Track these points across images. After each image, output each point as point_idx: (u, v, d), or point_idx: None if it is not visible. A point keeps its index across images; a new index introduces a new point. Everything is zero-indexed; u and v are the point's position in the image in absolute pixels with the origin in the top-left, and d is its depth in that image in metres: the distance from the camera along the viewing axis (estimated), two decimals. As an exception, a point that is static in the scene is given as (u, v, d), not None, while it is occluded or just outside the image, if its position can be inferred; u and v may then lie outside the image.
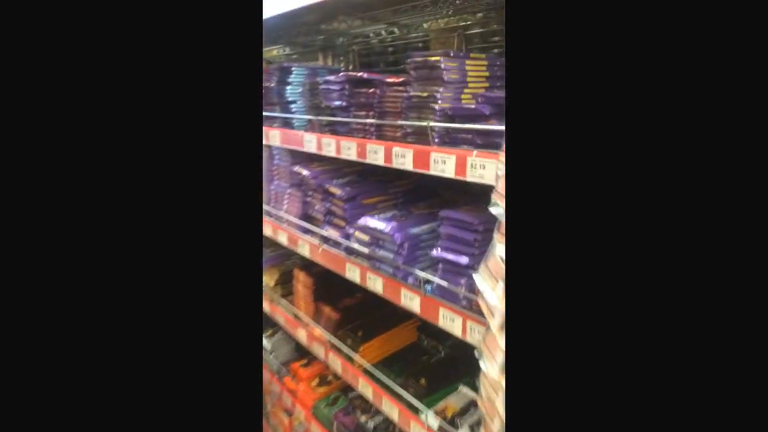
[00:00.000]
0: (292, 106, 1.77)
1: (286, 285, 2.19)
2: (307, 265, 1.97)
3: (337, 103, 1.50)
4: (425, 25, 2.18)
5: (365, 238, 1.47)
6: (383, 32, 2.38)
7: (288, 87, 1.76)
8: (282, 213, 1.91)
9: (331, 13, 1.98)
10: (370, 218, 1.45)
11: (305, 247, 1.78)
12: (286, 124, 1.83)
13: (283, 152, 1.95)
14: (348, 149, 1.46)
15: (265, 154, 2.02)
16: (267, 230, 2.03)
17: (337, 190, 1.60)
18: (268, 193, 2.04)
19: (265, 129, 1.89)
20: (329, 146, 1.54)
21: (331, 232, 1.64)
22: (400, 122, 1.31)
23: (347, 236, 1.58)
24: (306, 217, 1.81)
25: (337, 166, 1.79)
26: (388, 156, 1.31)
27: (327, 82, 1.53)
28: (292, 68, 1.76)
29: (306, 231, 1.79)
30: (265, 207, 2.03)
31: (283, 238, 1.93)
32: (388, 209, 1.64)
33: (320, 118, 1.60)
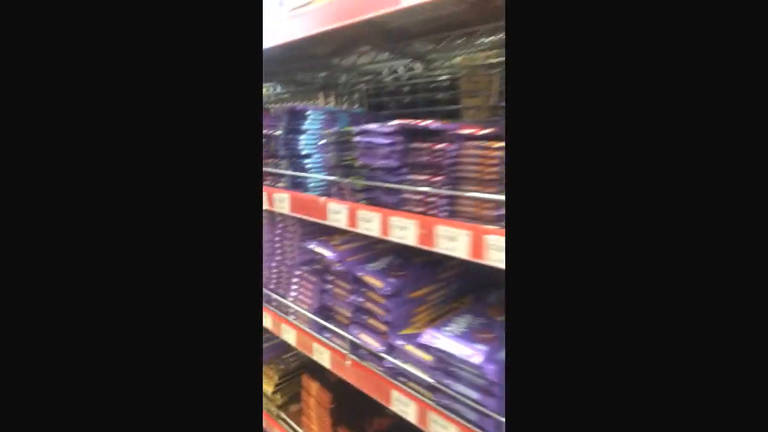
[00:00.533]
0: (307, 161, 1.31)
1: (287, 388, 1.67)
2: (320, 371, 1.47)
3: (384, 161, 1.05)
4: (457, 60, 1.81)
5: (428, 358, 1.00)
6: (401, 68, 1.99)
7: (302, 136, 1.30)
8: (288, 302, 1.43)
9: (352, 44, 1.56)
10: (438, 334, 0.98)
11: (324, 355, 1.29)
12: (297, 185, 1.36)
13: (290, 220, 1.48)
14: (401, 230, 1.01)
15: (265, 221, 1.54)
16: (266, 322, 1.53)
17: (375, 282, 1.13)
18: (267, 272, 1.55)
19: (266, 190, 1.42)
20: (369, 222, 1.08)
21: (366, 339, 1.17)
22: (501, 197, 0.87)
23: (390, 348, 1.11)
24: (324, 310, 1.33)
25: (366, 242, 1.33)
26: (476, 246, 0.86)
27: (367, 132, 1.08)
28: (307, 112, 1.30)
29: (322, 328, 1.31)
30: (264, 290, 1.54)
31: (289, 336, 1.43)
32: (445, 305, 1.19)
33: (357, 181, 1.14)
